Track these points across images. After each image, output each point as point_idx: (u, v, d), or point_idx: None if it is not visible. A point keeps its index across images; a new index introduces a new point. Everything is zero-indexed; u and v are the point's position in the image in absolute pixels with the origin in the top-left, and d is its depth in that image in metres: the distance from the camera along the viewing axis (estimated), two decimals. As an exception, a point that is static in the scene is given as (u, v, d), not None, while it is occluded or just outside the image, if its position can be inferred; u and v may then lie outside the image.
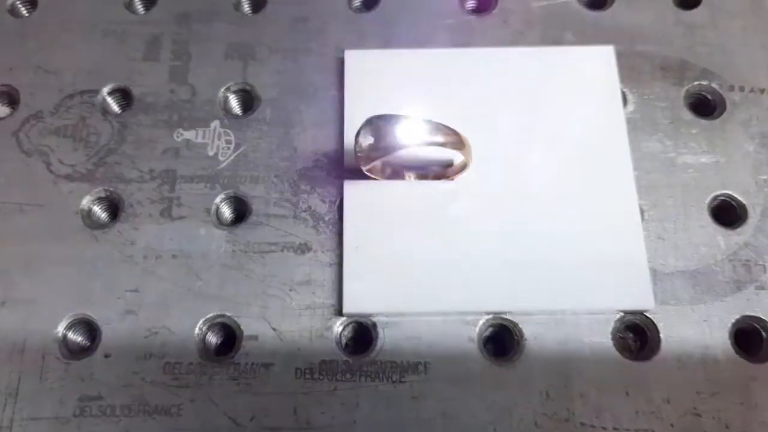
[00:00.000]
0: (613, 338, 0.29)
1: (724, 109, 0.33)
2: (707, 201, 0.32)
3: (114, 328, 0.29)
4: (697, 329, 0.29)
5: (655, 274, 0.30)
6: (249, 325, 0.29)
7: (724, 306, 0.30)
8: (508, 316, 0.29)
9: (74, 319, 0.30)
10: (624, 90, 0.34)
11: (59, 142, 0.33)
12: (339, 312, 0.29)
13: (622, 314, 0.30)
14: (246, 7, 0.36)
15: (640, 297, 0.29)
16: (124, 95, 0.34)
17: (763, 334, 0.29)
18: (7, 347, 0.29)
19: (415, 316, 0.29)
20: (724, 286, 0.30)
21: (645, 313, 0.29)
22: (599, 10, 0.36)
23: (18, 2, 0.36)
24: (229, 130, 0.33)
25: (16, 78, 0.34)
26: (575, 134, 0.32)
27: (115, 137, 0.33)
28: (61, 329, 0.29)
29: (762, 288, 0.30)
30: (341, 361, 0.29)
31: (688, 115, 0.33)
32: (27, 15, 0.36)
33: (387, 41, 0.35)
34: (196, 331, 0.29)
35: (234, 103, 0.34)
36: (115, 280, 0.30)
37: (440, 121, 0.28)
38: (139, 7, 0.36)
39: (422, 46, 0.35)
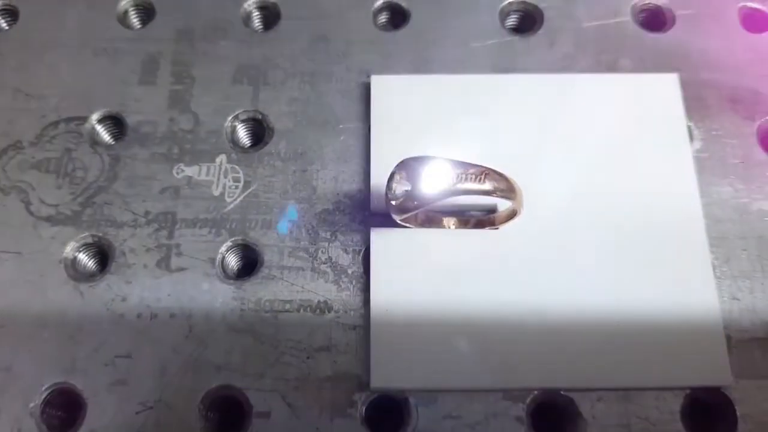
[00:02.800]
0: (683, 418, 0.26)
1: (802, 147, 0.31)
2: (788, 255, 0.29)
3: (101, 402, 0.26)
4: (781, 409, 0.26)
5: (729, 341, 0.27)
6: (259, 400, 0.26)
7: (812, 381, 0.27)
8: (561, 392, 0.26)
9: (55, 390, 0.27)
10: (689, 124, 0.30)
11: (40, 177, 0.30)
12: (366, 385, 0.26)
13: (690, 390, 0.26)
14: (257, 23, 0.33)
15: (714, 371, 0.26)
16: (116, 124, 0.31)
17: None
18: (-23, 421, 0.26)
19: (455, 391, 0.26)
20: (811, 357, 0.27)
21: (720, 389, 0.26)
22: (659, 31, 0.33)
23: (-4, 14, 0.33)
24: (237, 166, 0.30)
25: (-8, 102, 0.31)
26: (636, 176, 0.29)
27: (105, 173, 0.30)
28: (39, 402, 0.26)
29: None
30: (368, 443, 0.26)
31: (762, 155, 0.30)
32: (6, 28, 0.33)
33: (418, 64, 0.32)
34: (198, 405, 0.26)
35: (243, 135, 0.31)
36: (103, 344, 0.27)
37: (483, 160, 0.25)
38: (135, 21, 0.33)
39: (458, 70, 0.32)
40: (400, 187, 0.25)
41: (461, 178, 0.25)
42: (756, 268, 0.29)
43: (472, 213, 0.29)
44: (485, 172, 0.25)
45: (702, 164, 0.30)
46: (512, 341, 0.26)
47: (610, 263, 0.28)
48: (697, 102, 0.31)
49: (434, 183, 0.24)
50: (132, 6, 0.33)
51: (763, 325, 0.28)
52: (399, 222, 0.27)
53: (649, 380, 0.26)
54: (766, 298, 0.28)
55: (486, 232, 0.28)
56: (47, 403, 0.26)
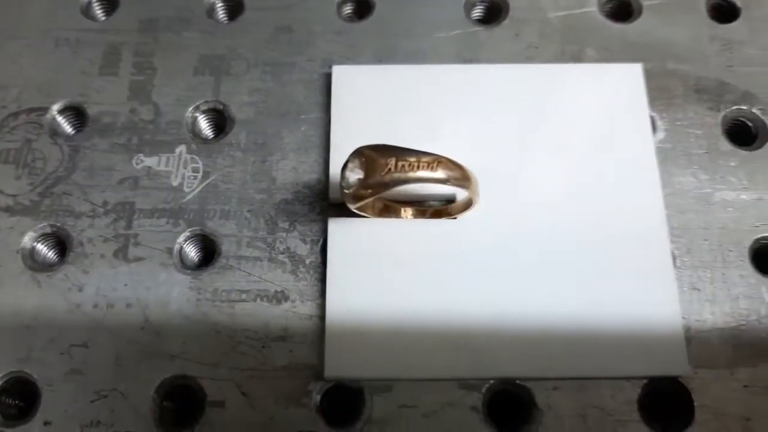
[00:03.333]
0: (639, 408, 0.26)
1: (766, 137, 0.31)
2: (748, 245, 0.29)
3: (56, 390, 0.26)
4: (737, 397, 0.26)
5: (688, 331, 0.27)
6: (214, 389, 0.26)
7: (769, 370, 0.27)
8: (517, 381, 0.26)
9: (10, 379, 0.27)
10: (653, 115, 0.31)
11: None
12: (320, 375, 0.26)
13: (647, 380, 0.27)
14: (221, 14, 0.34)
15: (672, 361, 0.26)
16: (77, 114, 0.31)
17: (818, 404, 0.26)
18: (-70, 412, 0.26)
19: (410, 381, 0.26)
20: (769, 346, 0.27)
21: (677, 378, 0.27)
22: (625, 22, 0.33)
23: (-42, 5, 0.33)
24: (196, 157, 0.30)
25: (-48, 93, 0.32)
26: (597, 166, 0.29)
27: (64, 163, 0.30)
28: (-6, 391, 0.26)
29: (815, 350, 0.27)
30: (322, 433, 0.26)
31: (726, 145, 0.31)
32: (-32, 19, 0.33)
33: (382, 55, 0.32)
34: (152, 395, 0.26)
35: (204, 125, 0.31)
36: (59, 334, 0.27)
37: (442, 151, 0.25)
38: (99, 12, 0.34)
39: (422, 60, 0.32)
40: (353, 176, 0.25)
41: (414, 166, 0.25)
42: (717, 258, 0.29)
43: (431, 203, 0.29)
44: (438, 161, 0.25)
45: (665, 154, 0.30)
46: (468, 331, 0.26)
47: (569, 253, 0.28)
48: (662, 92, 0.31)
49: (388, 170, 0.25)
50: (95, -3, 0.34)
51: (723, 316, 0.28)
52: (355, 211, 0.27)
53: (605, 370, 0.26)
54: (726, 288, 0.28)
55: (445, 222, 0.28)
56: (2, 392, 0.27)
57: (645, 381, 0.27)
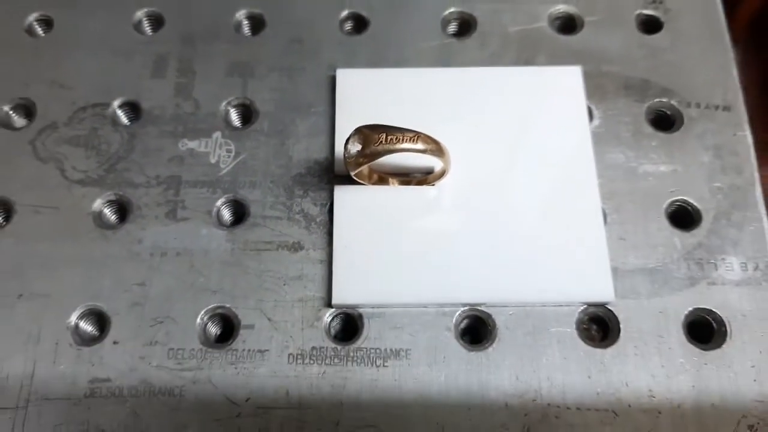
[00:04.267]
0: (578, 328, 0.34)
1: (681, 123, 0.38)
2: (665, 206, 0.36)
3: (122, 318, 0.34)
4: (653, 320, 0.34)
5: (616, 271, 0.35)
6: (246, 316, 0.34)
7: (678, 299, 0.34)
8: (482, 308, 0.34)
9: (85, 310, 0.34)
10: (590, 106, 0.39)
11: (72, 150, 0.38)
12: (328, 304, 0.34)
13: (585, 306, 0.34)
14: (246, 30, 0.42)
15: (601, 290, 0.34)
16: (133, 108, 0.39)
17: (714, 324, 0.34)
18: (23, 337, 0.33)
19: (398, 307, 0.34)
20: (679, 282, 0.35)
21: (606, 306, 0.34)
22: (569, 34, 0.41)
23: (35, 23, 0.42)
24: (229, 140, 0.38)
25: (33, 92, 0.39)
26: (546, 145, 0.37)
27: (124, 146, 0.38)
28: (73, 319, 0.34)
29: (713, 284, 0.34)
30: (330, 348, 0.33)
31: (648, 129, 0.38)
32: (43, 34, 0.41)
33: (375, 61, 0.40)
34: (198, 320, 0.34)
35: (234, 116, 0.39)
36: (123, 276, 0.35)
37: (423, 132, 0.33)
38: (147, 28, 0.42)
39: (408, 65, 0.40)
40: (353, 148, 0.33)
41: (400, 139, 0.33)
42: (640, 216, 0.36)
43: (414, 175, 0.37)
44: (418, 135, 0.33)
45: (599, 137, 0.38)
46: (445, 267, 0.34)
47: (521, 213, 0.35)
48: (598, 89, 0.39)
49: (380, 143, 0.33)
50: (145, 16, 0.41)
51: (643, 259, 0.35)
52: (355, 178, 0.35)
53: (550, 298, 0.34)
54: (647, 238, 0.35)
55: (425, 189, 0.36)
56: (80, 319, 0.34)
57: (581, 307, 0.34)
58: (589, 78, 0.39)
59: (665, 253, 0.35)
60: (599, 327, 0.34)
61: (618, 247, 0.35)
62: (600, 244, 0.35)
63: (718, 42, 0.41)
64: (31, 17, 0.41)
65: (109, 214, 0.37)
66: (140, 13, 0.42)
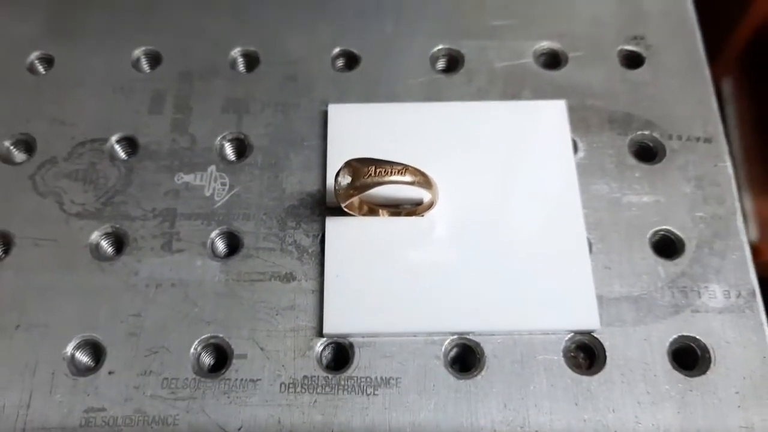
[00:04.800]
0: (565, 356, 0.34)
1: (664, 155, 0.39)
2: (649, 235, 0.37)
3: (117, 348, 0.34)
4: (639, 348, 0.34)
5: (601, 299, 0.35)
6: (239, 346, 0.34)
7: (663, 327, 0.35)
8: (471, 336, 0.35)
9: (82, 341, 0.35)
10: (575, 139, 0.40)
11: (71, 184, 0.39)
12: (320, 333, 0.34)
13: (572, 334, 0.35)
14: (241, 67, 0.43)
15: (587, 318, 0.35)
16: (130, 143, 0.40)
17: (698, 351, 0.34)
18: (20, 367, 0.34)
19: (388, 336, 0.34)
20: (663, 309, 0.35)
21: (592, 333, 0.35)
22: (554, 69, 0.42)
23: (36, 61, 0.43)
24: (224, 174, 0.39)
25: (33, 128, 0.40)
26: (532, 177, 0.38)
27: (121, 180, 0.39)
28: (69, 349, 0.34)
29: (697, 311, 0.35)
30: (321, 377, 0.34)
31: (632, 161, 0.40)
32: (44, 72, 0.43)
33: (367, 96, 0.41)
34: (192, 350, 0.34)
35: (229, 151, 0.40)
36: (119, 307, 0.35)
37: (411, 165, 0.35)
38: (145, 66, 0.43)
39: (397, 100, 0.41)
40: (344, 180, 0.34)
41: (388, 172, 0.34)
42: (624, 245, 0.37)
43: (404, 206, 0.38)
44: (406, 168, 0.34)
45: (584, 169, 0.39)
46: (433, 296, 0.35)
47: (508, 242, 0.36)
48: (582, 122, 0.41)
49: (369, 175, 0.34)
50: (143, 54, 0.43)
51: (628, 287, 0.36)
52: (345, 210, 0.36)
53: (537, 326, 0.34)
54: (631, 267, 0.36)
55: (414, 219, 0.37)
56: (76, 350, 0.35)
57: (568, 335, 0.35)
58: (573, 112, 0.40)
59: (649, 282, 0.36)
60: (586, 355, 0.35)
61: (603, 276, 0.36)
62: (585, 273, 0.36)
63: (698, 76, 0.42)
64: (33, 55, 0.43)
65: (106, 246, 0.37)
66: (138, 51, 0.43)
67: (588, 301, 0.35)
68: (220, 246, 0.38)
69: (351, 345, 0.34)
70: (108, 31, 0.44)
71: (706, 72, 0.43)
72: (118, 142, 0.40)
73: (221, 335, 0.35)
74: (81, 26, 0.44)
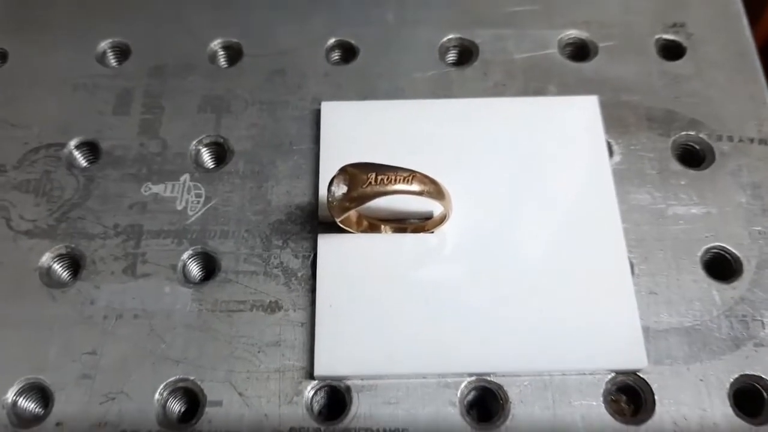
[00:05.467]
0: (605, 401, 0.29)
1: (713, 159, 0.34)
2: (699, 254, 0.32)
3: (68, 394, 0.29)
4: (693, 390, 0.29)
5: (647, 331, 0.30)
6: (213, 390, 0.29)
7: (721, 364, 0.29)
8: (491, 378, 0.29)
9: (26, 385, 0.29)
10: (609, 140, 0.34)
11: (21, 197, 0.33)
12: (310, 375, 0.29)
13: (613, 375, 0.29)
14: (222, 60, 0.38)
15: (632, 356, 0.29)
16: (91, 149, 0.35)
17: (764, 394, 0.29)
18: (-48, 416, 0.29)
19: (392, 378, 0.29)
20: (720, 343, 0.30)
21: (638, 373, 0.29)
22: (582, 61, 0.37)
23: (-13, 56, 0.38)
24: (199, 184, 0.33)
25: (-21, 132, 0.35)
26: (560, 186, 0.33)
27: (79, 191, 0.33)
28: (11, 395, 0.29)
29: (761, 345, 0.30)
30: (312, 428, 0.28)
31: (676, 166, 0.34)
32: (-5, 69, 0.37)
33: (365, 93, 0.36)
34: (157, 396, 0.29)
35: (206, 156, 0.35)
36: (71, 342, 0.30)
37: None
38: (112, 60, 0.37)
39: (401, 98, 0.36)
40: (338, 190, 0.28)
41: (392, 180, 0.28)
42: (671, 266, 0.32)
43: (411, 221, 0.32)
44: (413, 175, 0.28)
45: (621, 175, 0.34)
46: (447, 330, 0.29)
47: (537, 263, 0.31)
48: (617, 121, 0.35)
49: (369, 184, 0.28)
50: (110, 47, 0.38)
51: (678, 316, 0.30)
52: (340, 225, 0.30)
53: (572, 365, 0.29)
54: (681, 292, 0.31)
55: (423, 236, 0.31)
56: (19, 396, 0.29)
57: (609, 376, 0.29)
58: (606, 109, 0.35)
59: (703, 309, 0.31)
60: (630, 399, 0.29)
61: (648, 303, 0.31)
62: (628, 300, 0.30)
63: (747, 67, 0.37)
64: (-17, 50, 0.38)
65: (59, 269, 0.32)
66: (105, 44, 0.38)
67: (632, 334, 0.29)
68: (194, 269, 0.32)
69: (347, 389, 0.29)
70: (71, 22, 0.39)
71: (757, 63, 0.37)
72: (77, 147, 0.35)
73: (192, 377, 0.29)
74: (39, 16, 0.39)
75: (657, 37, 0.38)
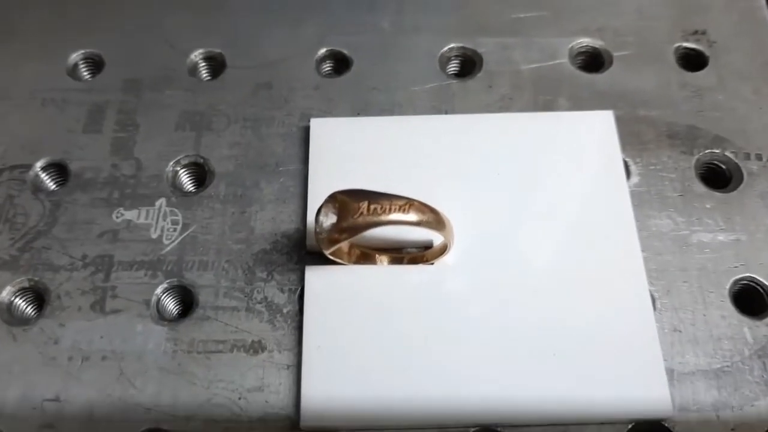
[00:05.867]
0: (626, 454, 0.26)
1: (740, 179, 0.32)
2: (728, 286, 0.29)
3: (27, 447, 0.26)
4: (725, 441, 0.26)
5: (671, 374, 0.27)
6: (189, 442, 0.26)
7: (755, 412, 0.27)
8: (499, 430, 0.26)
9: (-20, 436, 0.27)
10: (626, 159, 0.32)
11: (-20, 224, 0.31)
12: (296, 425, 0.26)
13: (634, 423, 0.26)
14: (203, 73, 0.35)
15: (656, 402, 0.26)
16: (59, 171, 0.32)
17: (806, 446, 0.26)
18: None
19: (388, 430, 0.26)
20: (753, 387, 0.27)
21: (663, 422, 0.26)
22: (595, 72, 0.35)
23: (-52, 70, 0.35)
24: (176, 209, 0.31)
25: (-62, 153, 0.33)
26: (573, 210, 0.30)
27: (45, 218, 0.31)
28: (-38, 449, 0.26)
29: (800, 390, 0.27)
30: (298, 486, 0.25)
31: (700, 188, 0.31)
32: (-43, 84, 0.35)
33: (359, 108, 0.33)
34: (125, 449, 0.26)
35: (184, 179, 0.32)
36: (32, 388, 0.27)
37: (417, 197, 0.26)
38: (84, 73, 0.35)
39: (398, 113, 0.33)
40: (327, 220, 0.26)
41: (386, 209, 0.25)
42: (697, 299, 0.29)
43: (408, 250, 0.29)
44: (410, 203, 0.26)
45: (640, 198, 0.31)
46: (448, 376, 0.26)
47: (547, 298, 0.28)
48: (635, 138, 0.32)
49: (361, 214, 0.25)
50: (82, 59, 0.35)
51: (706, 357, 0.28)
52: (329, 257, 0.27)
53: (588, 414, 0.26)
54: (708, 329, 0.28)
55: (422, 268, 0.29)
56: (-30, 450, 0.26)
57: (629, 426, 0.26)
58: (623, 124, 0.32)
59: (733, 349, 0.28)
60: (654, 451, 0.27)
61: (672, 342, 0.28)
62: (650, 339, 0.27)
63: (776, 79, 0.34)
64: (-57, 63, 0.35)
65: (21, 305, 0.30)
66: (76, 56, 0.35)
67: (655, 378, 0.27)
68: (169, 305, 0.30)
69: (338, 441, 0.26)
70: (40, 31, 0.36)
71: (786, 73, 0.34)
72: (43, 169, 0.32)
73: (165, 427, 0.26)
74: (5, 24, 0.36)
75: (676, 45, 0.35)
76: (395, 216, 0.25)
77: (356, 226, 0.25)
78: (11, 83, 0.34)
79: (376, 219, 0.25)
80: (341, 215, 0.25)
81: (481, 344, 0.27)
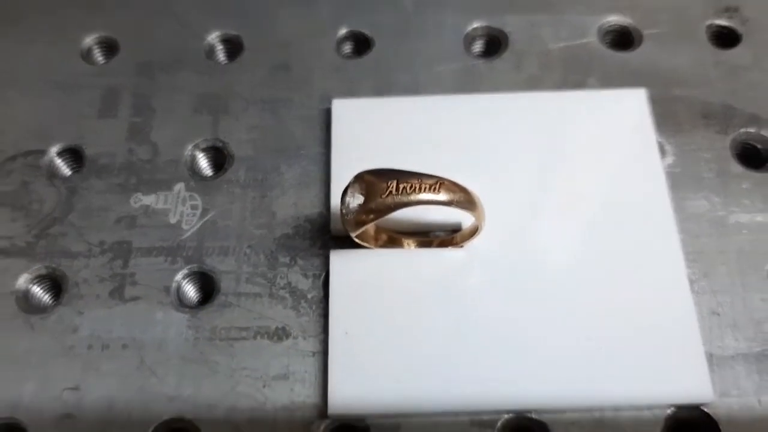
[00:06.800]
0: (665, 441, 0.26)
1: (778, 159, 0.31)
2: (767, 267, 0.29)
3: (47, 437, 0.26)
4: (766, 428, 0.26)
5: (711, 358, 0.27)
6: (211, 431, 0.26)
7: (799, 398, 0.26)
8: (533, 416, 0.26)
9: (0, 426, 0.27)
10: (660, 140, 0.32)
11: (-5, 211, 0.31)
12: (323, 413, 0.26)
13: (674, 409, 0.26)
14: (220, 56, 0.35)
15: (695, 387, 0.26)
16: (74, 156, 0.32)
17: None
18: None
19: (418, 417, 0.26)
20: (797, 372, 0.27)
21: (702, 408, 0.26)
22: (626, 50, 0.34)
23: (-42, 55, 0.35)
24: (195, 194, 0.31)
25: (-50, 139, 0.33)
26: (606, 192, 0.30)
27: (61, 205, 0.31)
28: (-18, 439, 0.27)
29: None
30: (326, 475, 0.26)
31: (737, 168, 0.31)
32: (-32, 69, 0.35)
33: (381, 89, 0.33)
34: (148, 439, 0.26)
35: (203, 163, 0.32)
36: (51, 377, 0.27)
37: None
38: (98, 56, 0.35)
39: (421, 93, 0.33)
40: (354, 201, 0.26)
41: (416, 188, 0.25)
42: (736, 282, 0.29)
43: (436, 233, 0.29)
44: (441, 182, 0.26)
45: (675, 179, 0.31)
46: (480, 360, 0.26)
47: (582, 282, 0.28)
48: (668, 118, 0.32)
49: (389, 193, 0.25)
50: (95, 43, 0.35)
51: (746, 341, 0.28)
52: (357, 241, 0.27)
53: (625, 399, 0.26)
54: (748, 312, 0.28)
55: (451, 252, 0.29)
56: (-10, 440, 0.27)
57: (668, 412, 0.26)
58: (656, 104, 0.32)
59: (775, 333, 0.28)
60: (693, 438, 0.27)
61: (711, 326, 0.28)
62: (688, 322, 0.27)
63: (814, 55, 0.34)
64: (-47, 48, 0.35)
65: (38, 293, 0.30)
66: (90, 40, 0.35)
67: (694, 362, 0.27)
68: (189, 292, 0.30)
69: (366, 429, 0.26)
70: (51, 14, 0.36)
71: (823, 50, 0.34)
72: (58, 154, 0.33)
73: (188, 417, 0.27)
74: (15, 6, 0.36)
75: (708, 23, 0.35)
76: (425, 195, 0.25)
77: (384, 206, 0.25)
78: (22, 69, 0.35)
79: (405, 199, 0.25)
80: (368, 195, 0.26)
81: (514, 329, 0.27)
